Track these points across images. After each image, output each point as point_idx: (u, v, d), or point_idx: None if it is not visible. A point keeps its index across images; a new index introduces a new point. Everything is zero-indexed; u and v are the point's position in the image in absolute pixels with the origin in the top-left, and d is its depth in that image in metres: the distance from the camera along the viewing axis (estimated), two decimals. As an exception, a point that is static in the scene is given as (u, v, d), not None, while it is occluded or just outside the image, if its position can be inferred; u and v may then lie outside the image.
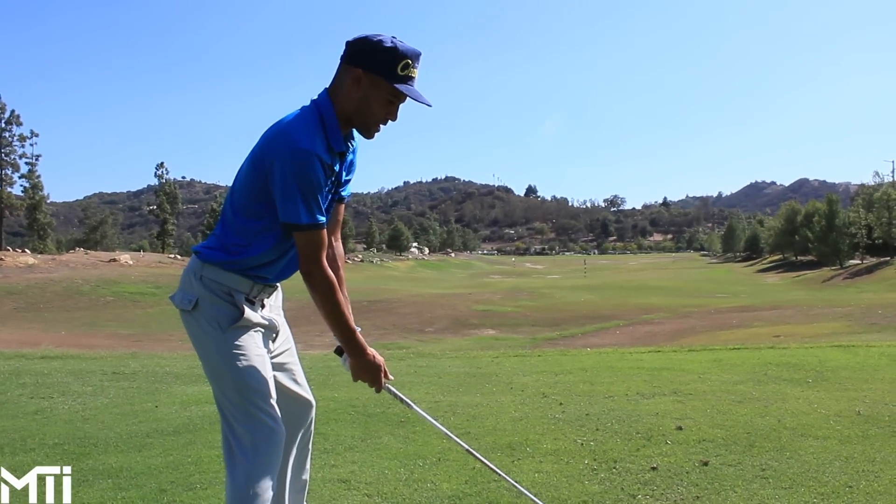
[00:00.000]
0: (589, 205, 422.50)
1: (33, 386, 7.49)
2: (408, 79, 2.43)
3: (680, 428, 5.03)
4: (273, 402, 2.54)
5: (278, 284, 2.77)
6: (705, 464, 4.17)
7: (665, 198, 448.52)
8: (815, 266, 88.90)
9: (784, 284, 74.22)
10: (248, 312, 2.53)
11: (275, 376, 2.65)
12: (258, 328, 2.59)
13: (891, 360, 8.01)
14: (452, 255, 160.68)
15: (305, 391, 2.84)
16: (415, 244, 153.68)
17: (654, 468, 4.11)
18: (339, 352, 2.65)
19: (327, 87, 2.53)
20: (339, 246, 2.76)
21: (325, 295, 2.47)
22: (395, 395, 2.74)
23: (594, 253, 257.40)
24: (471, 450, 2.92)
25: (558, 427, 5.20)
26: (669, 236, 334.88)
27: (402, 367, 8.60)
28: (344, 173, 2.60)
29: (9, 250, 58.31)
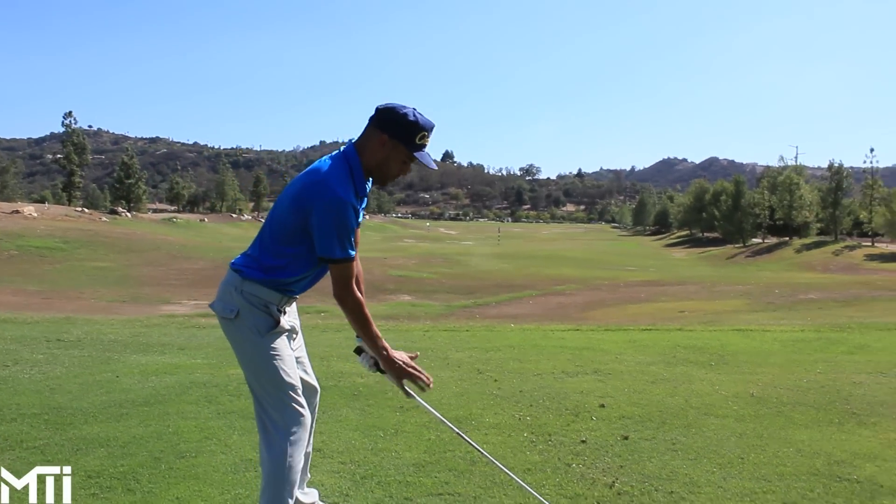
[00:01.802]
0: (504, 173, 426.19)
1: (-20, 353, 7.70)
2: (423, 146, 3.06)
3: (603, 405, 5.77)
4: (301, 392, 3.13)
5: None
6: (626, 438, 4.91)
7: (580, 169, 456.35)
8: (719, 243, 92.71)
9: (690, 260, 77.18)
10: (282, 321, 3.10)
11: None
12: (286, 332, 3.16)
13: (782, 346, 8.99)
14: (367, 217, 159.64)
15: (313, 379, 3.43)
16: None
17: (583, 441, 4.82)
18: (357, 351, 3.23)
19: (354, 140, 3.11)
20: (358, 264, 3.32)
21: (355, 314, 3.04)
22: (411, 396, 3.30)
23: (508, 221, 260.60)
24: (462, 434, 3.49)
25: (497, 402, 5.89)
26: (582, 207, 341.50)
27: (340, 340, 9.14)
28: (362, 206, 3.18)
29: None
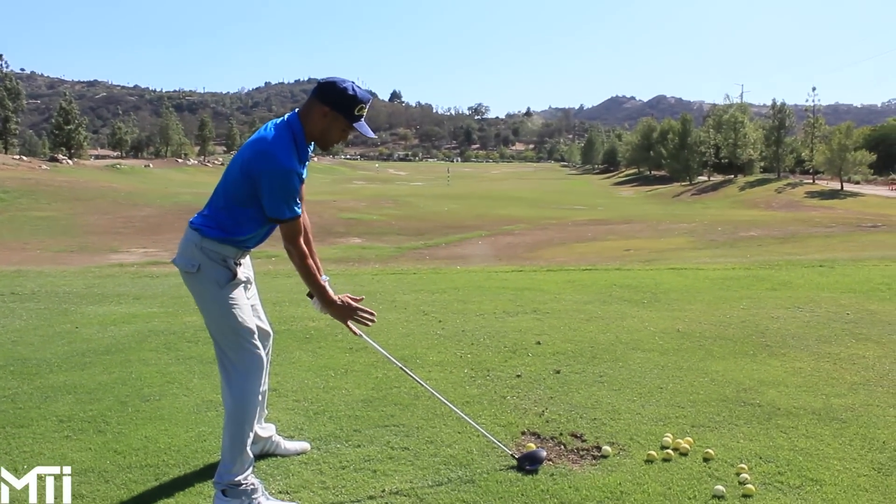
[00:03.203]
0: (453, 112, 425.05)
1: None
2: (361, 117, 3.38)
3: (539, 343, 6.22)
4: (256, 336, 3.47)
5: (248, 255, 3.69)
6: (558, 372, 5.35)
7: (528, 108, 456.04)
8: (666, 181, 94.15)
9: (638, 198, 78.42)
10: (239, 273, 3.43)
11: None
12: (242, 283, 3.49)
13: (712, 283, 9.54)
14: (315, 159, 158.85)
15: (266, 325, 3.77)
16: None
17: (518, 375, 5.26)
18: (309, 295, 3.56)
19: (297, 109, 3.41)
20: (304, 216, 3.63)
21: (300, 265, 3.39)
22: (356, 333, 3.66)
23: (457, 160, 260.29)
24: (407, 370, 3.88)
25: (440, 342, 6.30)
26: (531, 146, 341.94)
27: (291, 285, 9.44)
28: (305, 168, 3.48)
29: None
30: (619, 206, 63.96)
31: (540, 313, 7.54)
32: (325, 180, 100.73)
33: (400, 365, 3.86)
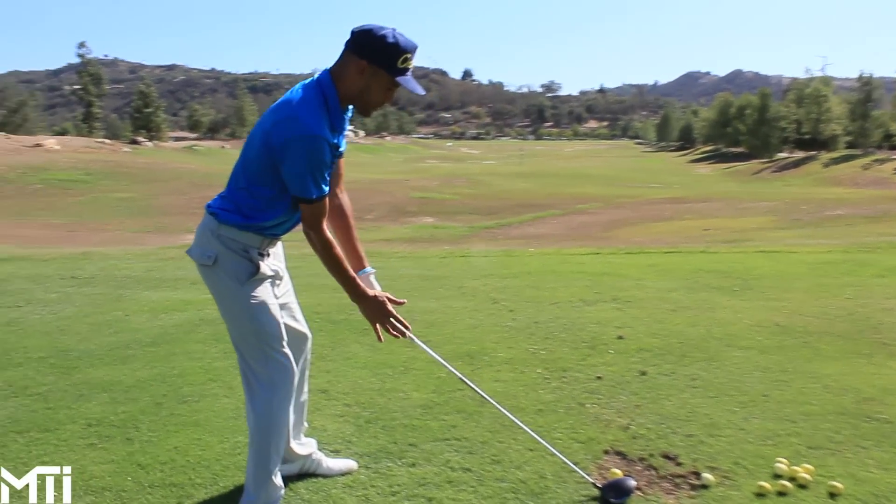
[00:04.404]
0: (525, 90, 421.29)
1: (-4, 293, 7.63)
2: (406, 70, 2.72)
3: (620, 337, 5.58)
4: (285, 342, 2.92)
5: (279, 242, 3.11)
6: (643, 373, 4.71)
7: (602, 85, 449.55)
8: (745, 158, 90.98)
9: (715, 176, 76.07)
10: (262, 266, 2.87)
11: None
12: (269, 278, 2.93)
13: (808, 268, 8.71)
14: (388, 138, 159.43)
15: (303, 326, 3.23)
16: (350, 127, 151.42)
17: (599, 377, 4.64)
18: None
19: (329, 67, 2.80)
20: (345, 198, 3.08)
21: (323, 253, 2.80)
22: (411, 340, 3.10)
23: (530, 139, 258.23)
24: (462, 377, 3.32)
25: (511, 335, 5.71)
26: (605, 123, 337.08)
27: (356, 269, 8.97)
28: (342, 137, 2.91)
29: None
30: (695, 183, 62.00)
31: (620, 302, 6.89)
32: (398, 159, 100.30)
33: (453, 369, 3.29)
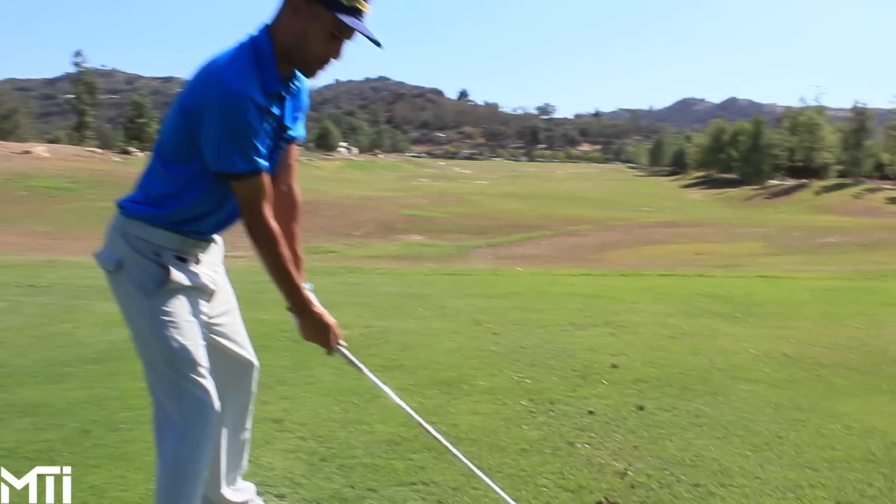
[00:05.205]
0: (520, 111, 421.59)
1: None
2: (356, 11, 2.16)
3: (615, 366, 5.04)
4: (205, 372, 2.34)
5: (217, 238, 2.55)
6: (641, 408, 4.17)
7: (597, 109, 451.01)
8: (737, 184, 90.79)
9: (707, 201, 75.86)
10: (176, 274, 2.30)
11: (213, 339, 2.49)
12: (190, 290, 2.36)
13: (813, 295, 8.21)
14: (381, 156, 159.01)
15: (247, 351, 2.67)
16: (343, 144, 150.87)
17: (591, 412, 4.09)
18: (289, 308, 2.47)
19: (268, 21, 2.26)
20: (296, 192, 2.54)
21: (265, 248, 2.26)
22: (347, 359, 2.58)
23: (523, 160, 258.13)
24: (429, 428, 2.78)
25: (493, 361, 5.16)
26: (598, 147, 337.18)
27: (332, 285, 8.45)
28: (290, 114, 2.37)
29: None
30: (687, 208, 61.68)
31: (614, 326, 6.36)
32: (390, 177, 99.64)
33: (417, 418, 2.74)
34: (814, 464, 3.43)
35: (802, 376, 4.93)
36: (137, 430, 3.72)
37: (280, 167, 2.43)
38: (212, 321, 2.48)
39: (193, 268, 2.37)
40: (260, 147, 2.18)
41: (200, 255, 2.42)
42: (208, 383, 2.34)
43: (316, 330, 2.42)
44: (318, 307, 2.43)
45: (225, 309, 2.59)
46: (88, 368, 4.87)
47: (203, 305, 2.42)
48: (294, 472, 3.24)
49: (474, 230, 37.57)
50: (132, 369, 4.73)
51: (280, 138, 2.36)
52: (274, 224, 2.27)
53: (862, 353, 5.54)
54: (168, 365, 2.28)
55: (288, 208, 2.49)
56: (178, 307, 2.30)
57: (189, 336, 2.31)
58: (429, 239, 34.03)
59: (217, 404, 2.38)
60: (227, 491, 2.69)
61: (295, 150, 2.51)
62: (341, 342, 2.50)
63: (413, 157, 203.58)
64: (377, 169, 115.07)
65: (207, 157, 2.17)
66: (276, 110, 2.24)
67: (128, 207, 2.29)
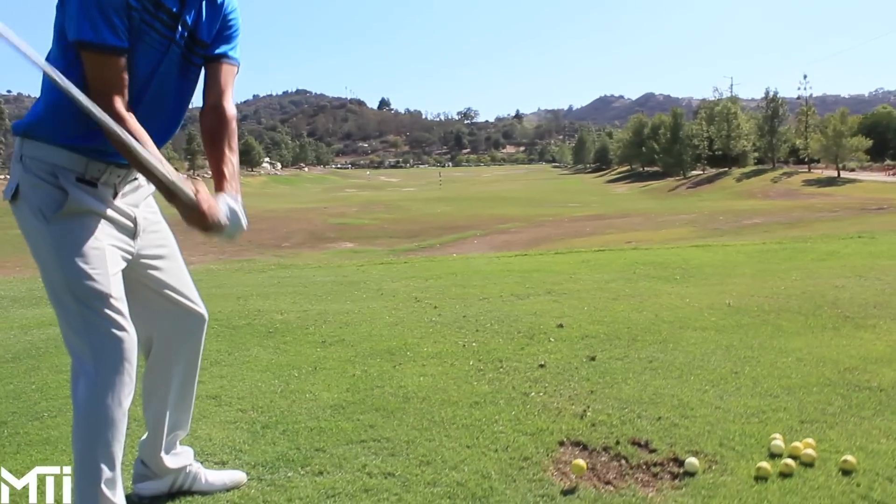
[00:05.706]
0: (443, 118, 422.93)
1: None
2: None
3: (561, 325, 4.93)
4: (118, 304, 2.06)
5: (141, 180, 2.27)
6: (592, 359, 4.07)
7: (518, 111, 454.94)
8: (660, 177, 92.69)
9: (632, 194, 77.11)
10: (78, 195, 2.03)
11: (156, 288, 2.27)
12: (100, 218, 2.09)
13: (748, 257, 8.28)
14: (306, 169, 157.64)
15: (196, 303, 2.41)
16: (266, 159, 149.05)
17: (542, 365, 3.97)
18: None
19: None
20: (227, 110, 2.24)
21: (114, 133, 1.87)
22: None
23: (449, 165, 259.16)
24: None
25: (437, 330, 5.00)
26: (522, 149, 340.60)
27: (264, 280, 8.17)
28: (207, 26, 2.16)
29: None
30: (613, 201, 62.55)
31: (556, 294, 6.26)
32: (316, 189, 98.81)
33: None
34: (773, 391, 3.36)
35: (749, 321, 4.90)
36: (61, 416, 3.44)
37: (208, 87, 2.22)
38: (143, 261, 2.23)
39: (108, 198, 2.12)
40: (117, 23, 1.93)
41: (119, 186, 2.16)
42: (121, 318, 2.06)
43: (190, 211, 2.02)
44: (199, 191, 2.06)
45: (161, 252, 2.33)
46: (6, 367, 4.52)
47: (121, 240, 2.15)
48: (235, 441, 3.01)
49: (404, 234, 37.41)
50: (55, 364, 4.49)
51: (193, 53, 2.15)
52: (122, 109, 1.97)
53: (802, 299, 5.55)
54: (74, 297, 2.01)
55: (214, 124, 2.22)
56: (83, 233, 2.03)
57: (96, 264, 2.03)
58: (360, 245, 33.71)
59: (133, 339, 2.10)
60: (165, 457, 2.45)
61: (227, 73, 2.27)
62: (221, 218, 2.08)
63: (338, 168, 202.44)
64: (302, 182, 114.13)
65: (66, 26, 1.94)
66: (170, 5, 2.02)
67: (20, 125, 2.03)
